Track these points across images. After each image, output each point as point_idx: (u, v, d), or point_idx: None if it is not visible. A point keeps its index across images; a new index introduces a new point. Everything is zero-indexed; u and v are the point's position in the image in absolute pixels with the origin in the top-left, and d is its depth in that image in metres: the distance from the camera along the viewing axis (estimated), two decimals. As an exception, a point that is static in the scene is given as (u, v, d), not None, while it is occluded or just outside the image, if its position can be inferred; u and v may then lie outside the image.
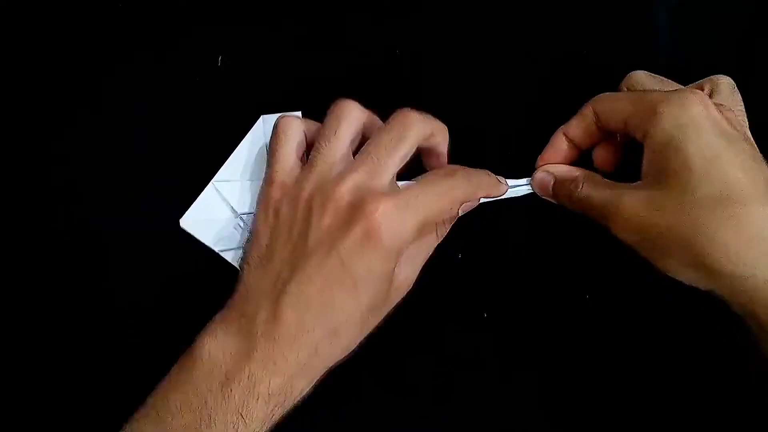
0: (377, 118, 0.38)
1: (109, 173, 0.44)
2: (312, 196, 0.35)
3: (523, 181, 0.41)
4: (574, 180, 0.38)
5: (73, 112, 0.44)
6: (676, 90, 0.36)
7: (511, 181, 0.40)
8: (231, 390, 0.32)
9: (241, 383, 0.32)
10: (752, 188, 0.32)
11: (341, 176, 0.34)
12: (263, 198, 0.37)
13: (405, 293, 0.37)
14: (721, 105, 0.35)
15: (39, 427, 0.42)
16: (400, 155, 0.35)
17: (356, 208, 0.33)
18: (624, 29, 0.45)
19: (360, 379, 0.40)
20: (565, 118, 0.40)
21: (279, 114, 0.41)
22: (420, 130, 0.36)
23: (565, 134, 0.40)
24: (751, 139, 0.36)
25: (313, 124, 0.39)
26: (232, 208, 0.41)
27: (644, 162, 0.35)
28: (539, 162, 0.40)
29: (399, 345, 0.41)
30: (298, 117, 0.39)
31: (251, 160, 0.42)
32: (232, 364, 0.33)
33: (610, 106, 0.37)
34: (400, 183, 0.37)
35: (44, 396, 0.42)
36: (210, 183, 0.41)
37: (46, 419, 0.42)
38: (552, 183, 0.39)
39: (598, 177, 0.39)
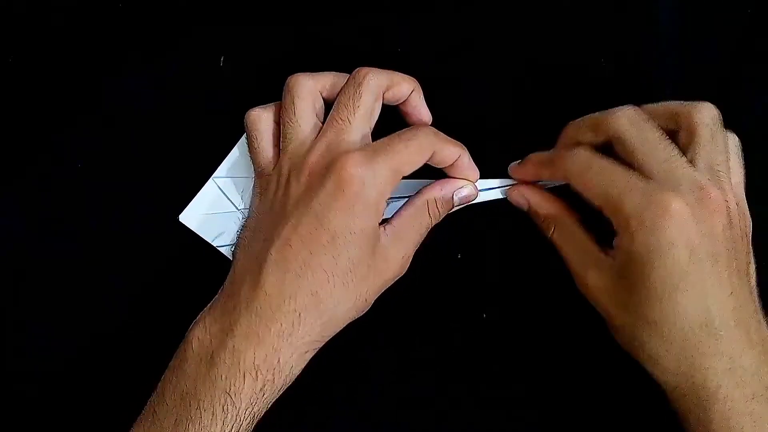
0: (341, 75, 0.38)
1: (109, 173, 0.44)
2: (290, 172, 0.36)
3: (496, 182, 0.40)
4: (544, 219, 0.39)
5: (74, 111, 0.44)
6: (653, 199, 0.33)
7: (488, 182, 0.40)
8: (217, 370, 0.32)
9: (225, 361, 0.32)
10: (702, 320, 0.33)
11: (311, 146, 0.36)
12: (254, 190, 0.38)
13: (400, 272, 0.37)
14: (701, 208, 0.33)
15: (40, 428, 0.42)
16: (361, 111, 0.36)
17: (329, 166, 0.34)
18: (624, 29, 0.45)
19: (359, 377, 0.40)
20: (565, 119, 0.40)
21: None
22: (375, 81, 0.37)
23: (533, 167, 0.39)
24: (727, 233, 0.34)
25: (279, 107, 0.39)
26: (232, 203, 0.41)
27: (616, 239, 0.35)
28: (510, 171, 0.40)
29: (398, 344, 0.41)
30: (262, 109, 0.39)
31: (249, 156, 0.42)
32: (216, 344, 0.33)
33: (588, 175, 0.35)
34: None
35: (43, 396, 0.42)
36: (210, 179, 0.41)
37: (46, 420, 0.42)
38: (527, 208, 0.40)
39: (569, 224, 0.38)
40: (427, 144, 0.36)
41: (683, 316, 0.33)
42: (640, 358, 0.35)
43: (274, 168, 0.37)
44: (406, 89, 0.38)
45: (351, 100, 0.36)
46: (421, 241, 0.38)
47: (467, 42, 0.45)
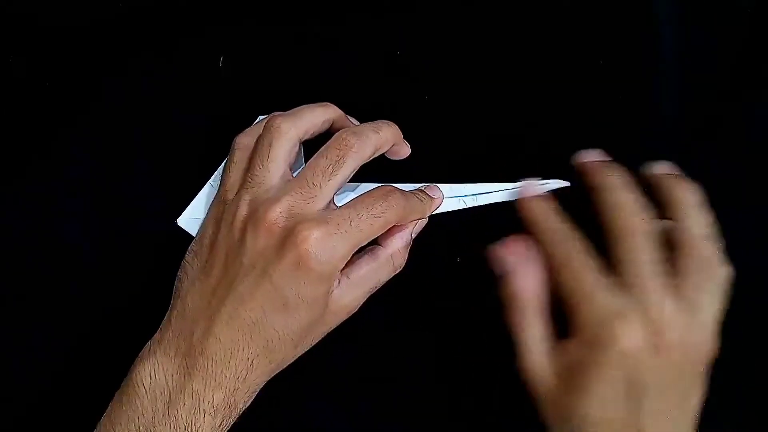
0: (326, 118, 0.38)
1: (109, 173, 0.44)
2: (247, 218, 0.35)
3: (498, 186, 0.40)
4: (507, 289, 0.36)
5: (74, 111, 0.44)
6: (611, 319, 0.32)
7: (491, 186, 0.40)
8: (177, 410, 0.33)
9: (185, 403, 0.33)
10: None
11: (275, 199, 0.34)
12: (209, 214, 0.38)
13: (346, 317, 0.37)
14: (654, 344, 0.32)
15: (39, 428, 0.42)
16: (336, 181, 0.35)
17: (288, 234, 0.33)
18: (624, 29, 0.45)
19: (357, 379, 0.40)
20: (565, 120, 0.40)
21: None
22: (360, 153, 0.36)
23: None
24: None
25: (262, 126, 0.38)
26: None
27: (569, 335, 0.34)
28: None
29: (398, 348, 0.41)
30: (249, 132, 0.38)
31: None
32: (174, 385, 0.33)
33: (565, 262, 0.34)
34: (349, 183, 0.37)
35: (43, 398, 0.42)
36: (207, 183, 0.41)
37: (48, 422, 0.42)
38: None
39: (533, 303, 0.36)
40: (393, 219, 0.36)
41: None
42: None
43: (232, 199, 0.36)
44: (388, 147, 0.38)
45: (330, 168, 0.35)
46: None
47: (468, 43, 0.45)
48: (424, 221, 0.39)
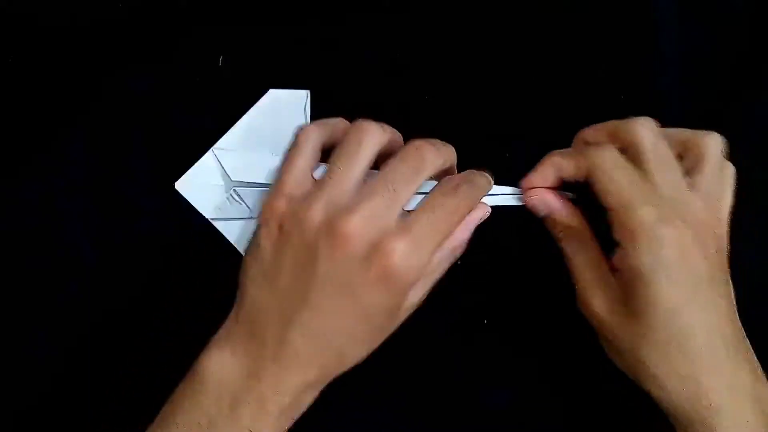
0: (397, 136, 0.37)
1: (109, 173, 0.44)
2: (321, 223, 0.33)
3: (509, 189, 0.39)
4: (561, 227, 0.38)
5: (74, 111, 0.44)
6: (665, 216, 0.33)
7: (499, 188, 0.39)
8: (240, 410, 0.33)
9: (250, 404, 0.33)
10: (705, 340, 0.33)
11: (354, 207, 0.33)
12: (267, 206, 0.35)
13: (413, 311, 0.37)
14: (701, 233, 0.34)
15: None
16: (415, 187, 0.34)
17: (372, 247, 0.32)
18: (624, 29, 0.45)
19: (359, 385, 0.40)
20: (565, 120, 0.40)
21: (287, 90, 0.41)
22: (434, 164, 0.35)
23: (553, 164, 0.38)
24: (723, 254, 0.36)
25: (334, 131, 0.37)
26: (227, 175, 0.41)
27: (617, 255, 0.35)
28: (524, 185, 0.39)
29: (399, 352, 0.41)
30: (319, 126, 0.37)
31: (252, 132, 0.42)
32: (239, 385, 0.33)
33: (613, 173, 0.35)
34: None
35: (43, 398, 0.42)
36: (210, 149, 0.41)
37: (48, 422, 0.42)
38: (545, 214, 0.38)
39: (585, 235, 0.37)
40: (466, 210, 0.35)
41: (689, 336, 0.33)
42: (644, 380, 0.34)
43: (302, 197, 0.34)
44: (449, 166, 0.37)
45: (409, 175, 0.34)
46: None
47: (468, 45, 0.45)
48: (487, 212, 0.38)
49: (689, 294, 0.33)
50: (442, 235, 0.34)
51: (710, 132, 0.36)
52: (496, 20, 0.45)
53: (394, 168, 0.34)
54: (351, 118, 0.43)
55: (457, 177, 0.36)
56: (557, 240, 0.38)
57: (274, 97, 0.42)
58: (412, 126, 0.40)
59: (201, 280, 0.42)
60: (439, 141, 0.37)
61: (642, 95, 0.44)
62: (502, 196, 0.39)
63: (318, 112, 0.44)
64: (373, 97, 0.44)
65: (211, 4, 0.46)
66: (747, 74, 0.44)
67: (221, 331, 0.35)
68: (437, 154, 0.35)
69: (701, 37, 0.45)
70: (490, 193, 0.39)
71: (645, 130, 0.35)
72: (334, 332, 0.33)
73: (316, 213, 0.33)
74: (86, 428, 0.41)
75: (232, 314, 0.35)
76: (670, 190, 0.34)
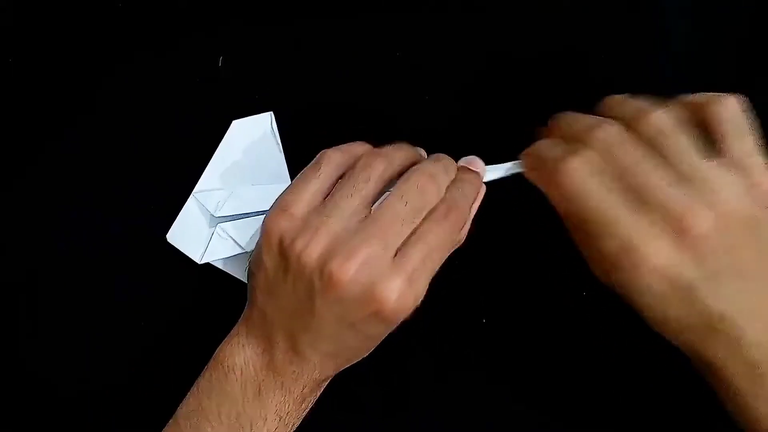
0: (413, 154, 0.37)
1: (109, 173, 0.44)
2: (316, 263, 0.33)
3: (508, 164, 0.38)
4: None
5: (73, 112, 0.45)
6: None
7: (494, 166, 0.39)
8: (266, 397, 0.35)
9: (275, 392, 0.35)
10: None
11: (349, 253, 0.32)
12: (270, 221, 0.34)
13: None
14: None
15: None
16: (412, 228, 0.33)
17: (366, 292, 0.32)
18: (625, 29, 0.45)
19: (359, 383, 0.40)
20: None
21: (250, 117, 0.42)
22: (434, 198, 0.34)
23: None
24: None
25: (351, 157, 0.36)
26: (211, 215, 0.41)
27: None
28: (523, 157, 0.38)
29: (397, 349, 0.41)
30: (343, 153, 0.36)
31: (227, 167, 0.42)
32: (264, 376, 0.35)
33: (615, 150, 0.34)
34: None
35: (42, 398, 0.42)
36: (191, 195, 0.42)
37: (48, 422, 0.42)
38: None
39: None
40: (458, 227, 0.35)
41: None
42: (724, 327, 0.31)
43: (304, 219, 0.34)
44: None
45: (410, 215, 0.33)
46: None
47: (468, 44, 0.45)
48: (483, 191, 0.37)
49: None
50: (437, 264, 0.34)
51: (726, 95, 0.35)
52: (496, 20, 0.45)
53: (395, 209, 0.33)
54: (351, 117, 0.43)
55: (448, 196, 0.35)
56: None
57: (238, 127, 0.43)
58: (413, 126, 0.40)
59: (203, 279, 0.42)
60: (441, 166, 0.36)
61: (642, 94, 0.44)
62: (503, 166, 0.38)
63: (318, 111, 0.44)
64: (373, 97, 0.44)
65: (211, 4, 0.46)
66: (747, 73, 0.44)
67: (240, 327, 0.37)
68: (438, 186, 0.34)
69: (702, 35, 0.45)
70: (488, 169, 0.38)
71: (665, 120, 0.35)
72: (338, 348, 0.35)
73: (313, 251, 0.33)
74: (86, 428, 0.41)
75: (246, 311, 0.37)
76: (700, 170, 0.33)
